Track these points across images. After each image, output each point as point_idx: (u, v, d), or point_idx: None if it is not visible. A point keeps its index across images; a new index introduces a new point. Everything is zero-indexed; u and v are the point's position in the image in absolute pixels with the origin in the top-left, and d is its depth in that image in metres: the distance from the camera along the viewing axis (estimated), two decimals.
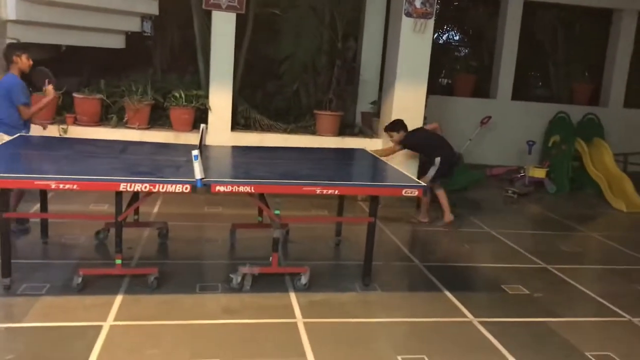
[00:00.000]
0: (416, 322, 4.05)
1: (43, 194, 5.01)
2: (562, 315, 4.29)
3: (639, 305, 4.56)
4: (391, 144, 6.63)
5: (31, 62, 5.08)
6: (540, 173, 8.74)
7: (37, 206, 5.16)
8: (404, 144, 6.58)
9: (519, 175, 8.92)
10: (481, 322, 4.05)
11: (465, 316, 4.15)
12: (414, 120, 7.01)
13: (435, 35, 11.20)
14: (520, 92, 10.42)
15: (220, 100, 6.98)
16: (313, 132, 7.49)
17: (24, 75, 5.12)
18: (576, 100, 10.43)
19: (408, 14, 6.80)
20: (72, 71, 7.68)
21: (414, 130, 6.58)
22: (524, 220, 7.36)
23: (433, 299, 4.42)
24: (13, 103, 4.99)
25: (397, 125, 6.54)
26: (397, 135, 6.50)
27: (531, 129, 9.63)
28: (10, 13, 6.16)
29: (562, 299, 4.64)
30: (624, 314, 4.38)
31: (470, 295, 4.53)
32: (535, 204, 8.06)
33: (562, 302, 4.57)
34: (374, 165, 5.43)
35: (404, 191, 4.31)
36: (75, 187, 3.80)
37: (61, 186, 3.77)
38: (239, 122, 7.36)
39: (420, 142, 6.63)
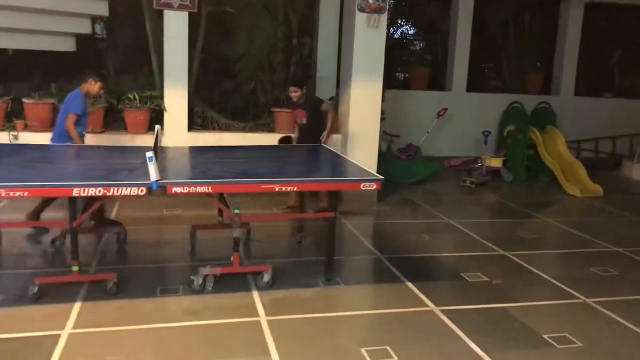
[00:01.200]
0: (379, 314, 4.09)
1: None
2: (520, 300, 4.39)
3: (593, 287, 4.71)
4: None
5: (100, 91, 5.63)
6: (496, 162, 8.93)
7: None
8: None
9: (476, 166, 9.09)
10: (442, 311, 4.11)
11: (426, 305, 4.21)
12: (371, 115, 7.09)
13: (390, 30, 11.32)
14: (474, 84, 10.61)
15: (176, 100, 6.89)
16: (272, 130, 7.48)
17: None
18: (529, 90, 10.68)
19: (361, 9, 6.83)
20: (21, 76, 7.47)
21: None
22: (482, 209, 7.50)
23: (395, 291, 4.47)
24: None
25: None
26: (300, 92, 6.29)
27: (486, 120, 9.81)
28: None
29: (520, 284, 4.75)
30: (579, 296, 4.50)
31: (431, 285, 4.60)
32: (493, 192, 8.23)
33: (520, 287, 4.68)
34: (333, 160, 5.45)
35: (362, 185, 4.33)
36: (26, 194, 3.69)
37: (11, 194, 3.67)
38: (196, 122, 7.28)
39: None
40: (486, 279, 4.81)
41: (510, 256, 5.42)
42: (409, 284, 4.57)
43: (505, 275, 4.92)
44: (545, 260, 5.50)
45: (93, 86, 5.39)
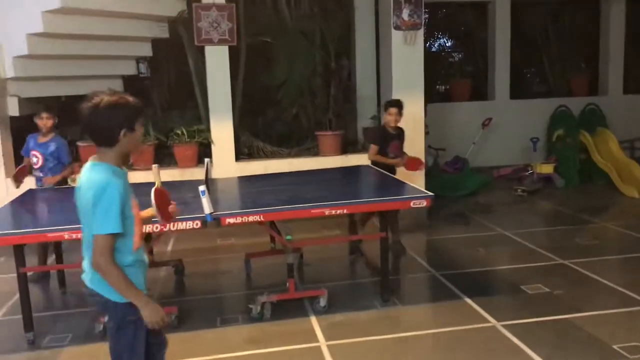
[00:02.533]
0: (439, 333, 4.03)
1: (57, 245, 5.05)
2: (585, 310, 4.26)
3: None
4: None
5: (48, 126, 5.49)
6: (547, 169, 8.73)
7: (53, 257, 5.21)
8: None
9: (526, 173, 8.91)
10: (504, 326, 4.03)
11: (488, 321, 4.13)
12: (415, 130, 7.06)
13: (427, 44, 11.29)
14: (518, 91, 10.46)
15: (222, 132, 7.05)
16: (316, 154, 7.54)
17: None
18: (575, 92, 10.44)
19: (397, 27, 6.87)
20: (74, 120, 7.76)
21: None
22: (536, 218, 7.33)
23: (454, 308, 4.41)
24: None
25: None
26: (400, 117, 5.69)
27: (533, 126, 9.63)
28: (9, 71, 6.29)
29: (583, 294, 4.61)
30: None
31: (491, 300, 4.51)
32: (546, 200, 8.04)
33: (584, 297, 4.54)
34: (380, 179, 5.45)
35: (412, 203, 4.31)
36: None
37: (74, 236, 3.81)
38: (242, 152, 7.42)
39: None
40: (547, 290, 4.69)
41: (571, 265, 5.27)
42: (468, 300, 4.49)
43: (567, 285, 4.78)
44: (608, 266, 5.33)
45: (41, 121, 5.41)
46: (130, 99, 2.46)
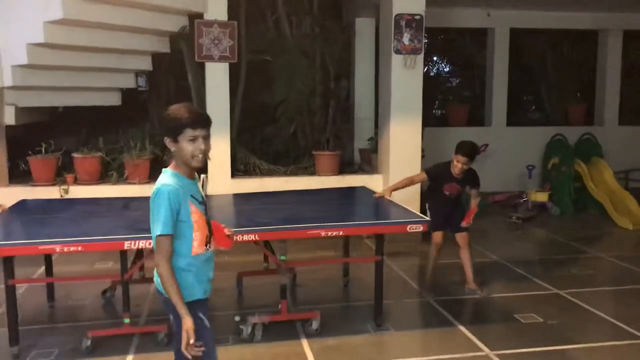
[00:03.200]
0: None
1: (48, 257, 4.99)
2: (579, 342, 4.23)
3: None
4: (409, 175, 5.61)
5: None
6: (542, 197, 8.74)
7: (42, 269, 5.13)
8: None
9: (521, 200, 8.92)
10: (498, 355, 3.99)
11: (481, 350, 4.09)
12: (412, 154, 7.08)
13: (426, 68, 11.36)
14: (514, 118, 10.51)
15: (219, 148, 7.01)
16: (313, 173, 7.52)
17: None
18: (571, 121, 10.51)
19: (397, 51, 6.90)
20: (70, 131, 7.75)
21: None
22: (530, 246, 7.32)
23: (447, 335, 4.37)
24: None
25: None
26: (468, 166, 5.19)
27: (529, 154, 9.66)
28: (7, 80, 6.25)
29: (577, 325, 4.58)
30: None
31: (484, 328, 4.47)
32: (541, 227, 8.03)
33: (578, 328, 4.51)
34: (376, 202, 5.43)
35: (408, 227, 4.30)
36: (79, 249, 3.79)
37: (65, 249, 3.77)
38: (238, 169, 7.39)
39: None
40: (541, 319, 4.66)
41: (565, 294, 5.24)
42: (462, 328, 4.45)
43: (560, 315, 4.75)
44: (602, 298, 5.31)
45: None
46: (184, 110, 2.54)
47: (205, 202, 2.70)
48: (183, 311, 2.45)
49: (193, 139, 2.52)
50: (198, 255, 2.61)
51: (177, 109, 2.54)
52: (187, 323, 2.44)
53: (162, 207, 2.47)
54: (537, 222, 8.25)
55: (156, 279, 2.61)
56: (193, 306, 2.54)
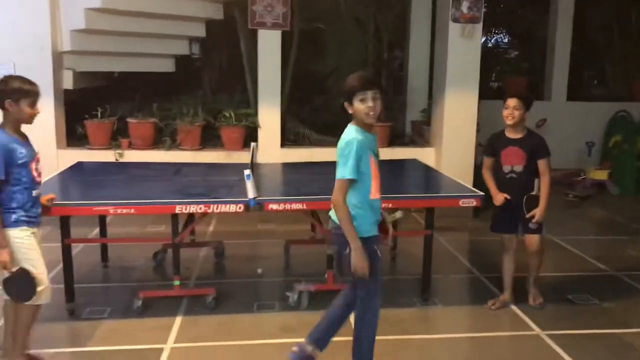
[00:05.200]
0: (480, 338, 3.91)
1: (102, 219, 5.12)
2: (635, 326, 4.06)
3: None
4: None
5: (35, 112, 3.20)
6: (601, 175, 8.40)
7: (97, 230, 5.28)
8: None
9: (579, 178, 8.59)
10: (549, 335, 3.87)
11: (531, 329, 3.98)
12: (466, 127, 6.89)
13: (484, 39, 10.99)
14: (575, 92, 10.05)
15: (269, 117, 7.01)
16: None
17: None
18: (636, 97, 9.96)
19: (455, 20, 6.67)
20: (125, 97, 7.89)
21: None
22: (588, 225, 7.06)
23: (497, 313, 4.26)
24: None
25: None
26: (523, 114, 4.15)
27: (590, 130, 9.26)
28: (66, 44, 6.38)
29: (635, 308, 4.40)
30: None
31: (535, 307, 4.34)
32: (598, 207, 7.73)
33: (635, 312, 4.33)
34: (428, 175, 5.32)
35: (461, 202, 4.19)
36: (132, 211, 3.87)
37: (119, 211, 3.85)
38: (288, 138, 7.37)
39: None
40: (596, 301, 4.50)
41: (622, 276, 5.04)
42: (512, 306, 4.34)
43: (617, 298, 4.57)
44: None
45: (19, 111, 3.13)
46: (355, 77, 2.97)
47: (378, 155, 3.08)
48: (355, 240, 2.90)
49: (363, 100, 2.90)
50: (374, 200, 3.04)
51: (351, 77, 2.97)
52: (357, 248, 2.89)
53: (351, 155, 2.90)
54: (594, 201, 7.95)
55: (331, 212, 3.06)
56: (370, 240, 3.02)
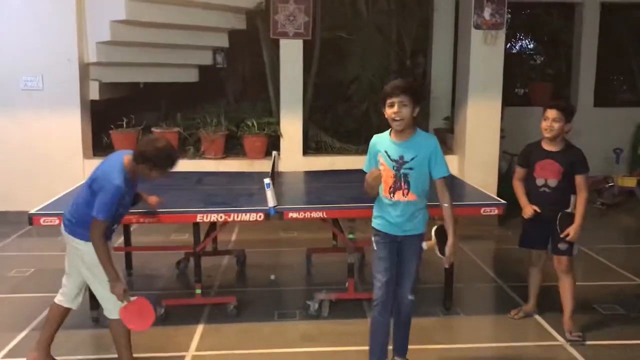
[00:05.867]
0: (503, 347, 3.85)
1: (126, 228, 5.19)
2: None
3: None
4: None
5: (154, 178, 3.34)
6: (630, 182, 8.22)
7: (121, 239, 5.36)
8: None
9: (607, 186, 8.43)
10: (574, 346, 3.80)
11: (555, 340, 3.92)
12: (490, 134, 6.83)
13: (508, 45, 10.88)
14: (603, 98, 9.87)
15: (291, 125, 7.05)
16: None
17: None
18: None
19: (477, 26, 6.63)
20: (150, 106, 8.01)
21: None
22: (615, 234, 6.92)
23: (520, 322, 4.20)
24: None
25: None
26: (565, 125, 3.93)
27: (618, 136, 9.08)
28: (92, 56, 6.52)
29: None
30: None
31: (560, 317, 4.24)
32: (627, 215, 7.58)
33: None
34: (450, 184, 5.27)
35: (482, 210, 4.15)
36: (154, 220, 3.91)
37: (142, 220, 3.90)
38: (310, 147, 7.39)
39: None
40: (623, 311, 4.40)
41: None
42: (536, 316, 4.28)
43: None
44: None
45: (148, 173, 3.27)
46: (387, 85, 3.16)
47: (397, 160, 3.15)
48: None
49: (390, 105, 3.07)
50: (383, 198, 3.21)
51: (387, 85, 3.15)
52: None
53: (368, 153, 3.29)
54: (623, 209, 7.79)
55: None
56: (374, 231, 3.28)
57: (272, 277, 5.06)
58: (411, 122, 3.11)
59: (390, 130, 3.19)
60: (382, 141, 3.23)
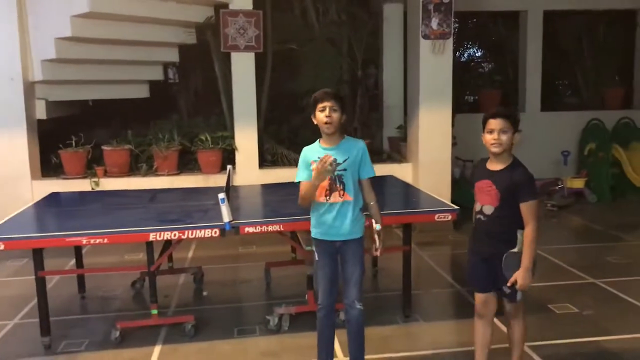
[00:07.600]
0: (463, 352, 3.90)
1: (78, 249, 5.05)
2: (615, 333, 4.08)
3: None
4: None
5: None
6: (578, 183, 8.50)
7: (73, 262, 5.20)
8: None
9: (556, 188, 8.68)
10: (531, 347, 3.87)
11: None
12: (442, 141, 6.94)
13: (457, 54, 11.13)
14: (549, 103, 10.20)
15: (246, 139, 7.00)
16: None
17: None
18: (608, 106, 10.14)
19: (425, 36, 6.75)
20: (100, 124, 7.84)
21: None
22: (566, 234, 7.12)
23: None
24: None
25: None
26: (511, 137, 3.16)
27: (565, 139, 9.39)
28: (37, 74, 6.34)
29: (614, 315, 4.42)
30: None
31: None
32: (577, 215, 7.81)
33: (615, 319, 4.35)
34: (404, 191, 5.34)
35: (436, 216, 4.21)
36: (105, 241, 3.81)
37: (92, 241, 3.80)
38: (266, 159, 7.36)
39: None
40: (576, 310, 4.52)
41: (601, 284, 5.07)
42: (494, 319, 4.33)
43: (596, 306, 4.60)
44: None
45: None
46: (318, 92, 3.30)
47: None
48: None
49: (322, 109, 3.22)
50: (318, 204, 3.34)
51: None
52: None
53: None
54: (573, 210, 8.03)
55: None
56: (315, 242, 3.41)
57: (205, 293, 5.09)
58: (339, 127, 3.29)
59: (319, 140, 3.37)
60: (312, 150, 3.39)
